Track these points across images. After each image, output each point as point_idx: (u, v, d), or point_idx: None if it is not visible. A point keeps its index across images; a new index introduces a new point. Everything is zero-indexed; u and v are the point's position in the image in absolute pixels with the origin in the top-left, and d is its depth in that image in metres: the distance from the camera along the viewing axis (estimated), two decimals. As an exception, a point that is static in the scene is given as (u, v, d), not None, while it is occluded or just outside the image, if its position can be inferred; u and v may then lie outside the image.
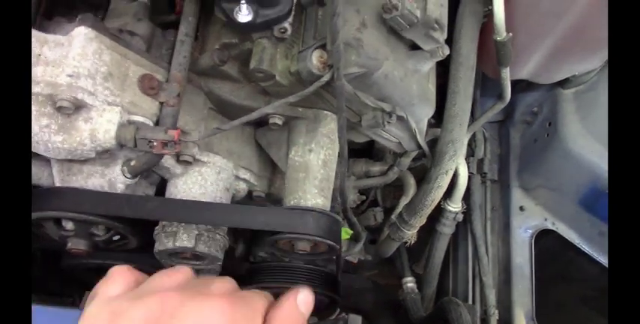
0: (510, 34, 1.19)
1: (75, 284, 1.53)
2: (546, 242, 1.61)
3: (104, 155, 1.09)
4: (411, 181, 1.63)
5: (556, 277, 1.66)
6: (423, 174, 1.55)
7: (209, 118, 1.25)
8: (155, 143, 1.02)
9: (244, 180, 1.30)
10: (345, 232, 1.36)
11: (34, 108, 0.97)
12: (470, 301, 1.60)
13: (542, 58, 1.33)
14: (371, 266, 1.96)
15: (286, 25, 1.10)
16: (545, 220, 1.60)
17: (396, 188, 1.78)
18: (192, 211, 1.10)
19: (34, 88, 0.96)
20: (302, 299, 0.72)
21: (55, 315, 1.05)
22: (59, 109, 0.97)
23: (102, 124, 1.00)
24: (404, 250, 1.76)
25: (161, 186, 1.26)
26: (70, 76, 0.97)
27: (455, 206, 1.49)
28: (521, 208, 1.62)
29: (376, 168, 1.63)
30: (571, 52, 1.29)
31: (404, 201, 1.61)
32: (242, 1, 1.01)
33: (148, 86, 1.08)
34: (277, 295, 0.72)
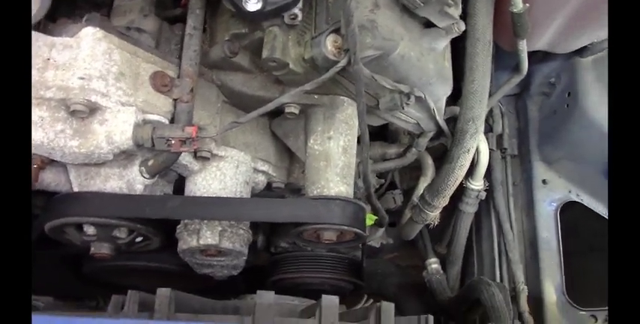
0: (527, 4, 1.16)
1: (98, 287, 1.52)
2: (571, 214, 1.58)
3: (120, 157, 1.06)
4: (429, 162, 1.60)
5: (583, 248, 1.64)
6: (439, 153, 1.52)
7: (223, 112, 1.22)
8: (173, 141, 1.00)
9: (263, 172, 1.28)
10: (370, 219, 1.34)
11: (47, 114, 0.94)
12: (497, 279, 1.58)
13: (560, 26, 1.29)
14: (391, 249, 1.93)
15: (296, 11, 1.06)
16: (569, 192, 1.57)
17: (412, 169, 1.75)
18: (216, 208, 1.08)
19: (47, 94, 0.93)
20: None
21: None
22: (73, 113, 0.95)
23: (118, 126, 0.98)
24: (426, 232, 1.73)
25: (179, 183, 1.24)
26: (81, 78, 0.95)
27: (477, 184, 1.46)
28: (544, 182, 1.59)
29: (392, 150, 1.60)
30: (590, 18, 1.25)
31: (423, 182, 1.58)
32: (250, -10, 0.98)
33: (161, 83, 1.05)
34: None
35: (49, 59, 0.96)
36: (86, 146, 0.97)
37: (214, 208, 1.07)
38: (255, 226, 1.33)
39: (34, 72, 0.94)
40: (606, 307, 1.51)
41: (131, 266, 1.34)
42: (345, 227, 1.09)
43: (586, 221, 1.59)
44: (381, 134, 1.67)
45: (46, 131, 0.94)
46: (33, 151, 0.98)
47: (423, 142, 1.50)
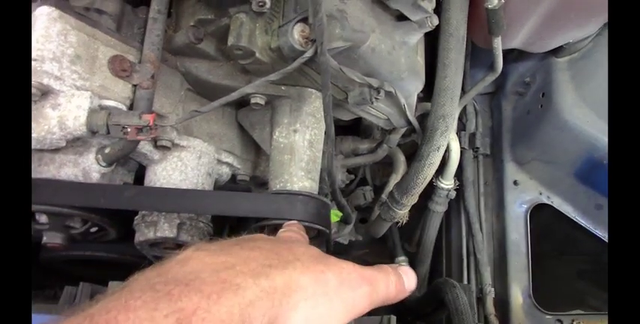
0: (503, 0, 1.13)
1: (54, 276, 1.48)
2: (541, 217, 1.56)
3: (76, 143, 1.02)
4: (401, 158, 1.58)
5: (552, 252, 1.62)
6: (412, 150, 1.49)
7: (187, 100, 1.18)
8: (129, 129, 0.96)
9: (227, 164, 1.24)
10: (335, 215, 1.31)
11: (-5, 95, 0.90)
12: (465, 280, 1.56)
13: (536, 25, 1.26)
14: (361, 245, 1.91)
15: (265, -3, 1.03)
16: (540, 194, 1.55)
17: (385, 166, 1.72)
18: (173, 200, 1.04)
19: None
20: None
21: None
22: (24, 95, 0.90)
23: (71, 111, 0.94)
24: (395, 230, 1.71)
25: (140, 173, 1.20)
26: (34, 60, 0.90)
27: (447, 183, 1.44)
28: (515, 183, 1.57)
29: (364, 145, 1.57)
30: (566, 18, 1.23)
31: (394, 179, 1.56)
32: (217, -27, 0.95)
33: (120, 68, 1.01)
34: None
35: None
36: (37, 131, 0.93)
37: (172, 199, 1.03)
38: (221, 218, 1.30)
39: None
40: (572, 312, 1.50)
41: (88, 256, 1.30)
42: (307, 223, 1.06)
43: (556, 224, 1.58)
44: (355, 129, 1.65)
45: (-6, 114, 0.90)
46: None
47: (395, 138, 1.48)
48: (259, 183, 1.35)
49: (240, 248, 0.59)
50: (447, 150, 1.36)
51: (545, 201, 1.55)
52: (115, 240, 1.20)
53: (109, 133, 0.96)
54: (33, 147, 0.96)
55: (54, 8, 0.94)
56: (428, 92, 1.30)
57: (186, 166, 1.14)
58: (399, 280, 0.70)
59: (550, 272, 1.58)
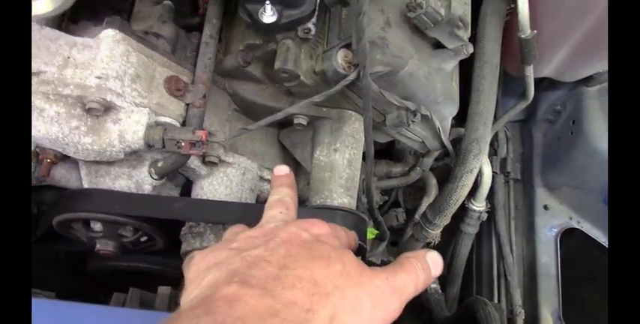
0: (535, 31, 1.19)
1: (99, 287, 1.54)
2: (572, 241, 1.59)
3: (131, 157, 1.09)
4: (433, 182, 1.62)
5: (583, 276, 1.64)
6: (444, 174, 1.54)
7: (233, 119, 1.25)
8: (183, 144, 1.03)
9: (268, 181, 1.30)
10: (371, 232, 1.36)
11: (63, 110, 0.97)
12: (495, 301, 1.59)
13: (567, 55, 1.32)
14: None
15: (310, 25, 1.10)
16: (570, 218, 1.59)
17: (417, 189, 1.77)
18: (220, 211, 1.10)
19: (64, 91, 0.96)
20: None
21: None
22: (89, 110, 0.98)
23: (130, 125, 1.01)
24: (427, 251, 1.75)
25: (186, 188, 1.27)
26: (98, 77, 0.98)
27: (479, 205, 1.49)
28: (546, 207, 1.61)
29: (397, 169, 1.62)
30: (596, 49, 1.28)
31: (426, 202, 1.61)
32: (267, 2, 1.02)
33: (175, 87, 1.08)
34: None
35: (69, 58, 0.99)
36: (99, 143, 1.00)
37: (218, 211, 1.10)
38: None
39: (53, 69, 0.98)
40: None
41: (134, 267, 1.36)
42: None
43: (586, 249, 1.60)
44: (387, 153, 1.70)
45: (62, 127, 0.97)
46: (48, 145, 1.01)
47: (428, 161, 1.53)
48: (298, 201, 1.40)
49: (282, 288, 0.59)
50: (479, 173, 1.41)
51: (576, 226, 1.58)
52: (161, 251, 1.26)
53: (164, 147, 1.03)
54: (93, 159, 1.03)
55: (118, 31, 1.02)
56: (459, 118, 1.35)
57: (231, 181, 1.20)
58: (427, 275, 0.72)
59: (579, 297, 1.60)
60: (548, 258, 1.57)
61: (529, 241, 1.63)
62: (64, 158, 1.07)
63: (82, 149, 1.00)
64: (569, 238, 1.60)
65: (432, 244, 1.50)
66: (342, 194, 1.18)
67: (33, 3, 0.99)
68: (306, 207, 1.20)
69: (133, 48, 1.04)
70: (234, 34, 1.20)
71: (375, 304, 0.64)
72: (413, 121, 1.18)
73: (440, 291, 1.68)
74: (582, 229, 1.58)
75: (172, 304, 1.14)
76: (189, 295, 0.62)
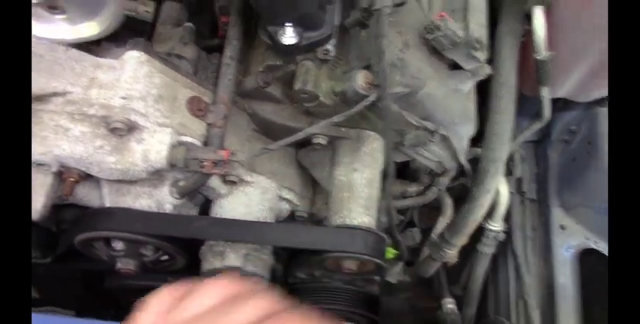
0: (551, 52, 1.20)
1: (115, 306, 1.54)
2: (589, 261, 1.58)
3: (153, 176, 1.11)
4: (448, 202, 1.62)
5: (601, 296, 1.63)
6: (459, 194, 1.55)
7: (252, 139, 1.27)
8: (205, 163, 1.04)
9: (287, 200, 1.31)
10: (390, 252, 1.36)
11: (88, 129, 0.99)
12: (513, 322, 1.58)
13: (582, 76, 1.33)
14: (406, 288, 1.94)
15: (329, 46, 1.12)
16: (587, 239, 1.58)
17: (431, 209, 1.77)
18: (240, 230, 1.11)
19: (89, 111, 0.98)
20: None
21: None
22: (113, 130, 1.00)
23: (154, 145, 1.02)
24: (443, 271, 1.74)
25: (204, 207, 1.28)
26: (123, 98, 1.00)
27: (496, 225, 1.48)
28: (562, 227, 1.61)
29: (413, 188, 1.62)
30: (611, 69, 1.29)
31: (442, 221, 1.60)
32: (287, 24, 1.03)
33: (197, 108, 1.10)
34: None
35: (94, 78, 1.01)
36: (122, 163, 1.01)
37: (239, 230, 1.11)
38: (275, 255, 1.36)
39: (79, 90, 1.00)
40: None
41: (152, 287, 1.36)
42: (367, 257, 1.11)
43: (604, 269, 1.59)
44: (402, 173, 1.70)
45: (86, 146, 0.99)
46: (73, 164, 1.02)
47: (444, 181, 1.53)
48: (316, 220, 1.41)
49: None
50: (496, 193, 1.41)
51: (593, 246, 1.58)
52: (180, 270, 1.27)
53: (186, 166, 1.04)
54: (116, 178, 1.05)
55: (142, 53, 1.04)
56: (476, 138, 1.36)
57: (250, 200, 1.21)
58: None
59: (599, 317, 1.59)
60: (565, 278, 1.56)
61: (546, 261, 1.62)
62: (87, 177, 1.08)
63: (106, 168, 1.02)
64: (588, 258, 1.59)
65: (449, 263, 1.50)
66: (361, 214, 1.18)
67: (79, 27, 1.02)
68: (327, 226, 1.21)
69: (157, 69, 1.06)
70: (254, 56, 1.22)
71: None
72: (431, 141, 1.20)
73: (457, 311, 1.67)
74: (599, 249, 1.57)
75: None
76: None
